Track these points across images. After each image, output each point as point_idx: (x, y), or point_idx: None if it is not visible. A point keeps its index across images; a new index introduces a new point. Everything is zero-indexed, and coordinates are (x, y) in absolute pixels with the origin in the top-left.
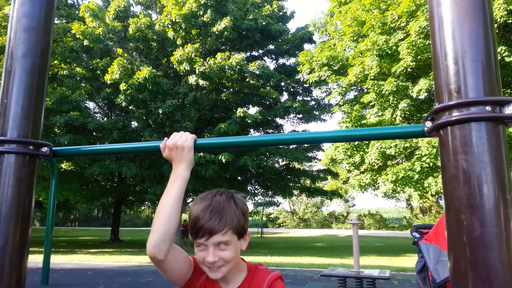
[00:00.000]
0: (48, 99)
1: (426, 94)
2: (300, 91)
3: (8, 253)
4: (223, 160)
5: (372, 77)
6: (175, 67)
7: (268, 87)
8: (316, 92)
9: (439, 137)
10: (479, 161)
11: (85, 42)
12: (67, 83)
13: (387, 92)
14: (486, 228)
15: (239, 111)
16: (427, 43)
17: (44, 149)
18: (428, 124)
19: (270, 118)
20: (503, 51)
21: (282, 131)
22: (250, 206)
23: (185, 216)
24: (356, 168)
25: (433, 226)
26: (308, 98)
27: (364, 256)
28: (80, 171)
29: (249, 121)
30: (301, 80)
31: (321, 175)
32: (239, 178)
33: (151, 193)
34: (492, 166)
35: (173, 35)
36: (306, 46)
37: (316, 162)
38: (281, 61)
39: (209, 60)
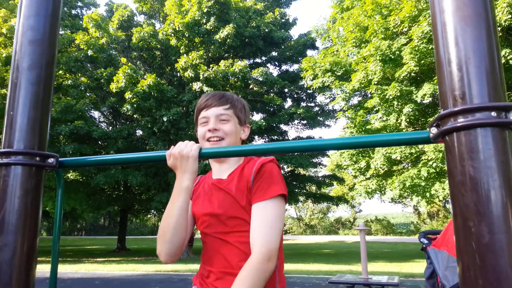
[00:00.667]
0: (53, 109)
1: (430, 98)
2: (304, 97)
3: (16, 264)
4: None
5: (375, 82)
6: (179, 75)
7: (271, 94)
8: (320, 98)
9: (445, 143)
10: (486, 167)
11: (89, 52)
12: (72, 92)
13: (391, 97)
14: (495, 234)
15: None
16: (430, 48)
17: (51, 160)
18: (434, 130)
19: (274, 125)
20: (507, 54)
21: (286, 138)
22: None
23: None
24: (362, 174)
25: (441, 231)
26: (312, 104)
27: (372, 262)
28: (86, 181)
29: (253, 128)
30: (305, 86)
31: (327, 181)
32: None
33: (156, 201)
34: (499, 172)
35: (176, 43)
36: (309, 52)
37: (321, 168)
38: (284, 67)
39: (213, 67)
